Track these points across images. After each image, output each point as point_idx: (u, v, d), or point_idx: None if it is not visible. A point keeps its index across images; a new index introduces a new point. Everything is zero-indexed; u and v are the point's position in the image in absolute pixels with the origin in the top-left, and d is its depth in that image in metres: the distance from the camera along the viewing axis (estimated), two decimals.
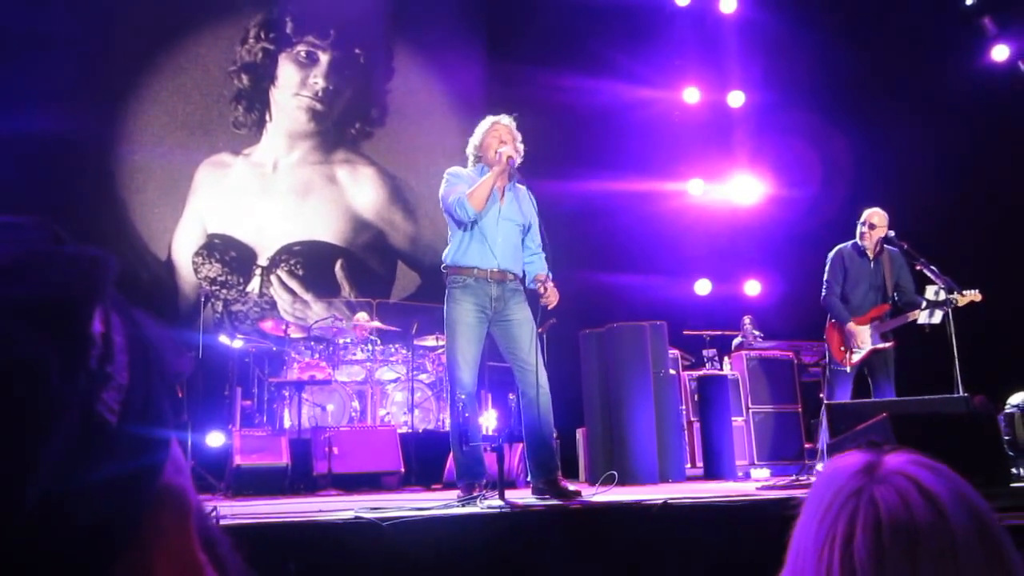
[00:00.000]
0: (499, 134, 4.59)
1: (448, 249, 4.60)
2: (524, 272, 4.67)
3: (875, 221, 6.00)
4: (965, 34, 8.89)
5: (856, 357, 5.90)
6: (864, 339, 5.90)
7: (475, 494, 4.05)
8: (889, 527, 0.78)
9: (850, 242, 6.18)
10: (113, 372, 0.45)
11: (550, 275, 4.64)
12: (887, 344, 5.92)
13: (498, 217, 4.51)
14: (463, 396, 4.27)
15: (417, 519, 3.36)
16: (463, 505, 3.82)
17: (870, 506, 0.79)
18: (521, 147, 4.64)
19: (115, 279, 0.50)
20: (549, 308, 4.58)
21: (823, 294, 6.17)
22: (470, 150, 4.72)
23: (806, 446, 7.41)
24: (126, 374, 0.46)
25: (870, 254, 6.06)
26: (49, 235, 0.53)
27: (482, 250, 4.47)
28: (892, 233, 5.93)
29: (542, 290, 4.53)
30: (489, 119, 4.69)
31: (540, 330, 4.66)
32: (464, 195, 4.41)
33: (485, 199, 4.42)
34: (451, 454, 6.19)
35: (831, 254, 6.20)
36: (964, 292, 5.68)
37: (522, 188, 4.71)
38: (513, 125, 4.66)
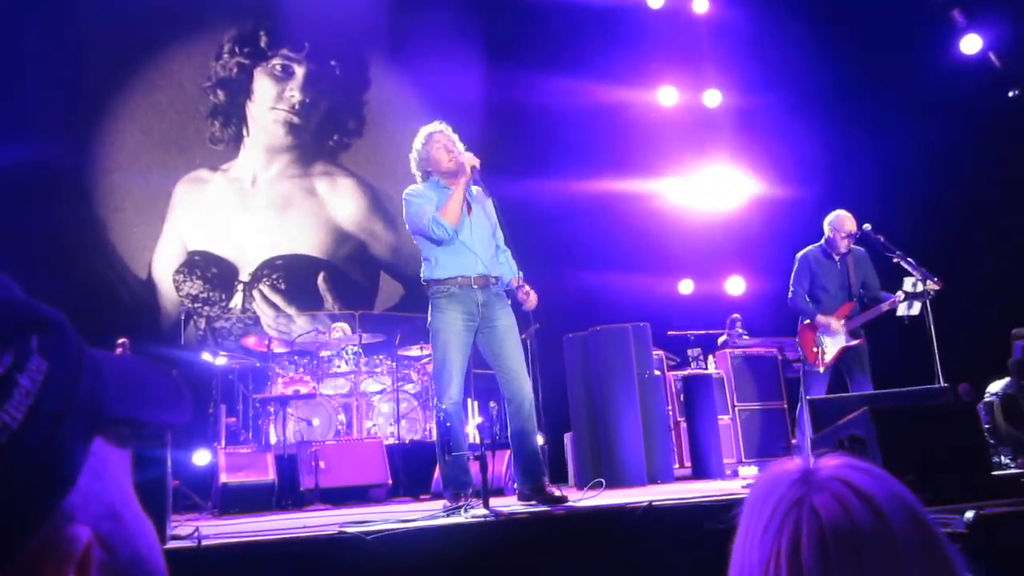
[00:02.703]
0: (442, 143, 4.53)
1: (426, 267, 4.56)
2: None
3: (853, 228, 6.10)
4: (935, 27, 8.97)
5: (828, 356, 6.05)
6: (837, 329, 6.02)
7: (461, 503, 4.05)
8: (832, 534, 0.78)
9: (816, 245, 6.32)
10: None
11: (522, 274, 4.64)
12: (857, 341, 6.05)
13: (471, 225, 4.49)
14: (445, 406, 4.26)
15: (401, 531, 3.35)
16: (448, 515, 3.82)
17: (812, 515, 0.80)
18: (463, 147, 4.59)
19: (36, 322, 0.51)
20: (528, 310, 4.58)
21: (790, 296, 6.33)
22: (416, 167, 4.63)
23: (793, 442, 7.44)
24: (20, 416, 0.46)
25: (837, 257, 6.21)
26: None
27: (463, 260, 4.44)
28: (869, 227, 5.97)
29: (522, 296, 4.53)
30: (424, 130, 4.61)
31: (524, 336, 4.66)
32: (436, 214, 4.37)
33: (459, 213, 4.40)
34: (438, 464, 6.20)
35: (798, 256, 6.34)
36: (933, 279, 5.83)
37: (477, 189, 4.67)
38: (449, 129, 4.60)
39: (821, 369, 6.04)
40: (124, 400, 0.55)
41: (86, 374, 0.52)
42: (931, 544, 0.80)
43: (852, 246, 6.18)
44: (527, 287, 4.56)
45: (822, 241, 6.28)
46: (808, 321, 6.18)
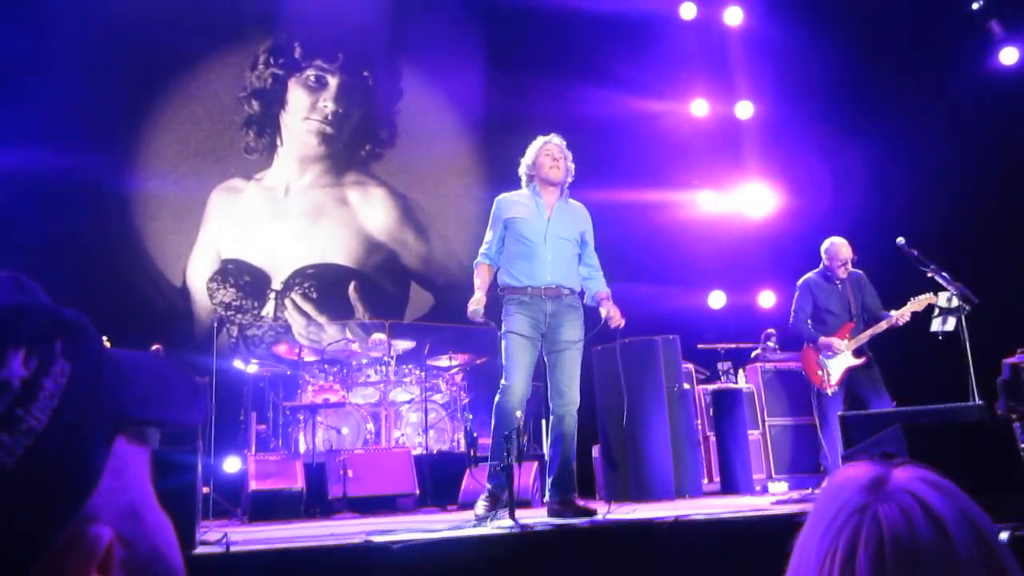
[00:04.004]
0: (550, 152, 4.74)
1: (501, 272, 4.71)
2: (583, 289, 4.78)
3: (848, 254, 6.27)
4: (973, 38, 8.85)
5: (834, 378, 6.06)
6: (839, 348, 6.04)
7: (489, 513, 4.05)
8: (892, 546, 0.78)
9: (816, 271, 6.40)
10: (25, 416, 0.47)
11: (610, 294, 4.71)
12: (861, 359, 6.04)
13: (546, 234, 4.62)
14: (519, 414, 4.30)
15: (428, 541, 3.36)
16: (474, 526, 3.82)
17: (874, 524, 0.79)
18: (572, 165, 4.81)
19: (60, 328, 0.52)
20: (614, 327, 4.66)
21: (791, 320, 6.39)
22: (523, 171, 4.83)
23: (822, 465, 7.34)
24: (45, 418, 0.48)
25: (837, 281, 6.28)
26: (8, 285, 0.55)
27: (533, 268, 4.58)
28: (902, 240, 5.90)
29: (606, 313, 4.65)
30: (540, 139, 4.84)
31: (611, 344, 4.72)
32: (481, 260, 4.70)
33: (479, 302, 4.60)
34: (466, 474, 6.20)
35: (799, 283, 6.43)
36: (917, 298, 5.95)
37: (575, 203, 4.86)
38: (563, 144, 4.82)
39: (830, 391, 6.05)
40: (143, 401, 0.56)
41: (107, 376, 0.53)
42: (996, 570, 0.78)
43: (851, 269, 6.27)
44: (612, 303, 4.68)
45: (820, 266, 6.31)
46: (810, 345, 6.21)
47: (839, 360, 6.07)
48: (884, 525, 0.78)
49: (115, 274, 8.75)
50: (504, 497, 4.23)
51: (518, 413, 4.27)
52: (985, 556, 0.78)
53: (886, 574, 0.77)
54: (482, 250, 4.75)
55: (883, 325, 6.00)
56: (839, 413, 5.73)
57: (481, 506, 4.26)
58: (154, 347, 6.50)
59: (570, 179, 4.79)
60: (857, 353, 6.07)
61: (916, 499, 0.80)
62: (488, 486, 4.35)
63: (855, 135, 9.03)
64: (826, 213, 8.74)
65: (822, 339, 6.12)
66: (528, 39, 10.04)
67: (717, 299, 10.13)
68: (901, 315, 5.91)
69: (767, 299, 10.07)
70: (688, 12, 10.40)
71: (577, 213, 4.82)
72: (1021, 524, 3.36)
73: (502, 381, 4.52)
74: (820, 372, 6.12)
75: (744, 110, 10.37)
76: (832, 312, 6.24)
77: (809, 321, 6.28)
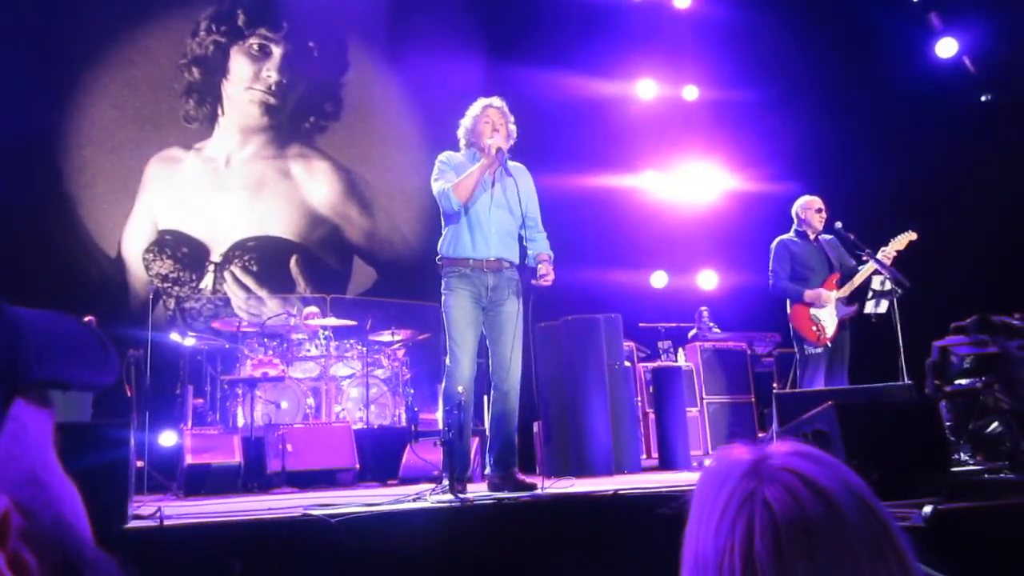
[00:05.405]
0: (491, 119, 4.56)
1: (442, 240, 4.58)
2: (525, 254, 4.64)
3: (820, 204, 6.18)
4: (914, 29, 9.05)
5: (830, 331, 5.91)
6: (828, 299, 5.94)
7: (460, 487, 3.97)
8: (785, 528, 0.79)
9: (788, 234, 6.28)
10: None
11: (552, 256, 4.60)
12: (851, 308, 5.96)
13: (490, 204, 4.49)
14: (460, 389, 4.23)
15: (367, 515, 3.34)
16: (413, 500, 3.81)
17: (765, 509, 0.80)
18: (513, 128, 4.64)
19: None
20: (541, 284, 4.46)
21: (771, 283, 6.22)
22: (461, 133, 4.67)
23: (760, 435, 7.51)
24: None
25: (812, 237, 6.17)
26: None
27: (475, 240, 4.45)
28: (840, 225, 6.02)
29: (543, 270, 4.45)
30: (480, 102, 4.65)
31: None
32: (450, 186, 4.40)
33: (471, 190, 4.42)
34: (407, 449, 6.19)
35: (775, 243, 6.27)
36: (897, 237, 5.89)
37: (516, 165, 4.67)
38: (505, 107, 4.64)
39: (820, 350, 5.89)
40: (46, 361, 0.53)
41: (3, 335, 0.50)
42: (882, 533, 0.81)
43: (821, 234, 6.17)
44: (550, 265, 4.50)
45: (793, 227, 6.28)
46: (796, 302, 6.05)
47: (831, 311, 5.94)
48: (775, 508, 0.80)
49: (47, 243, 8.48)
50: (465, 476, 4.18)
51: (460, 388, 4.25)
52: (872, 523, 0.81)
53: (783, 555, 0.78)
54: (445, 184, 4.45)
55: (869, 268, 5.86)
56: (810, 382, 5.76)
57: (458, 483, 4.09)
58: (86, 319, 6.33)
59: (512, 142, 4.61)
60: (846, 303, 5.96)
61: (797, 475, 0.82)
62: (458, 475, 4.08)
63: (797, 120, 9.19)
64: (767, 195, 8.89)
65: (807, 292, 5.96)
66: (475, 16, 9.96)
67: (659, 279, 10.25)
68: (887, 255, 5.79)
69: (708, 280, 10.22)
70: None
71: (520, 178, 4.59)
72: (943, 499, 3.48)
73: (446, 361, 4.45)
74: (814, 328, 5.95)
75: (691, 93, 10.45)
76: (811, 268, 6.09)
77: (788, 280, 6.12)
